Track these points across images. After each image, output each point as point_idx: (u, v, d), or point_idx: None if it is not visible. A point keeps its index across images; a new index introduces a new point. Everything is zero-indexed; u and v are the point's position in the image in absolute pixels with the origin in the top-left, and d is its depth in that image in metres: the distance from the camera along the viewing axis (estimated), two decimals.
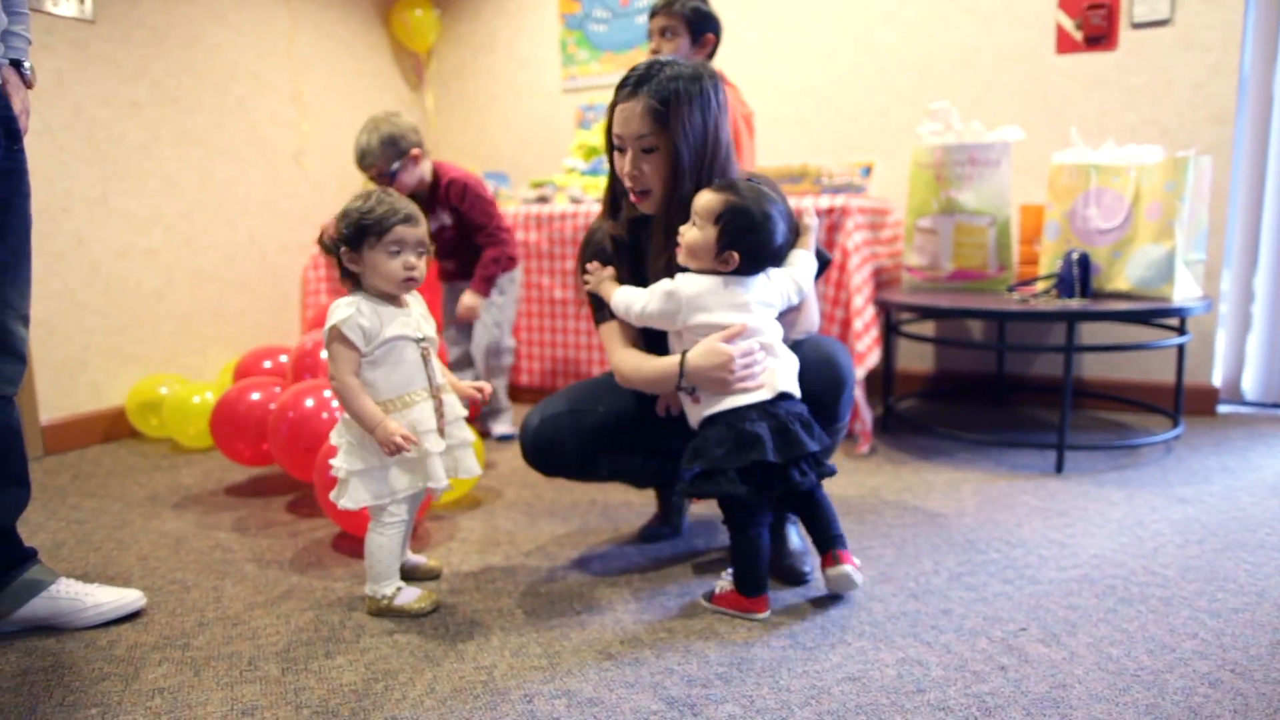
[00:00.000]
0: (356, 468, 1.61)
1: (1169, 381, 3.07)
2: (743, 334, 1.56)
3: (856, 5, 3.51)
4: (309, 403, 2.19)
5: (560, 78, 4.20)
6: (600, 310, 1.79)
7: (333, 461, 1.63)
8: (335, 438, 1.66)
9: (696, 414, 1.62)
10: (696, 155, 1.62)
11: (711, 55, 2.67)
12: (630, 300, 1.65)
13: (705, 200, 1.57)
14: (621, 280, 1.74)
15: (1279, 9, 2.99)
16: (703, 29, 2.61)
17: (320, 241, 1.66)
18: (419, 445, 1.62)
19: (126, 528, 2.22)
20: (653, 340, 1.74)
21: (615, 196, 1.77)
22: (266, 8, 3.66)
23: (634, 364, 1.70)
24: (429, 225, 2.81)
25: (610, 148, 1.71)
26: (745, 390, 1.56)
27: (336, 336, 1.58)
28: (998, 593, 1.71)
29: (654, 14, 2.63)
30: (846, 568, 1.63)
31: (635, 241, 1.76)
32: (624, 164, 1.65)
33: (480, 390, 1.76)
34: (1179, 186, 2.52)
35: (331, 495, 1.68)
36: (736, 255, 1.56)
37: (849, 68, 3.56)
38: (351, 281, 1.67)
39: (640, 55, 3.97)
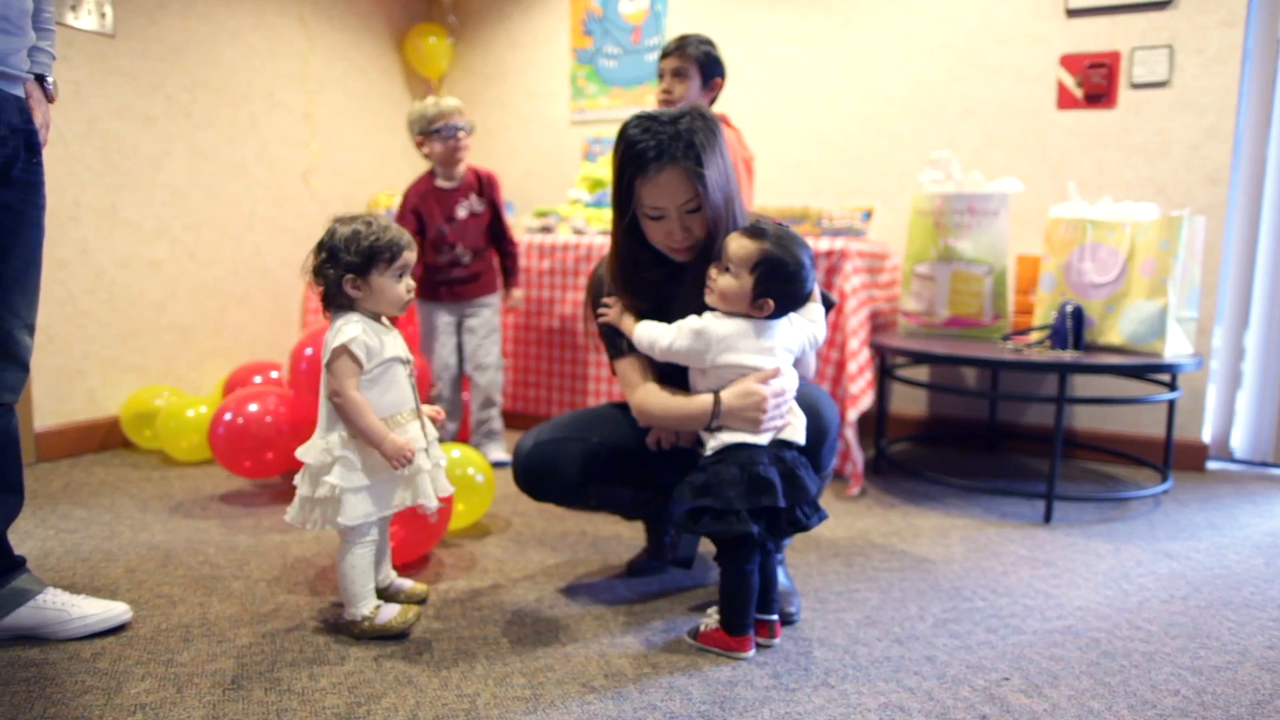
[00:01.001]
0: (354, 484, 1.62)
1: (1159, 436, 3.10)
2: (774, 376, 1.59)
3: (863, 53, 3.58)
4: None
5: (569, 110, 4.26)
6: (615, 346, 1.79)
7: (326, 479, 1.62)
8: (315, 455, 1.64)
9: (707, 443, 1.62)
10: (726, 199, 1.65)
11: (715, 100, 2.71)
12: (655, 336, 1.64)
13: (740, 247, 1.58)
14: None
15: (1274, 74, 3.06)
16: (712, 73, 2.65)
17: (316, 270, 1.65)
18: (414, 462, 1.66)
19: (115, 539, 2.22)
20: (668, 374, 1.74)
21: (634, 265, 1.74)
22: (283, 29, 3.72)
23: (663, 403, 1.69)
24: (464, 209, 2.98)
25: (626, 216, 1.67)
26: (773, 429, 1.59)
27: (344, 353, 1.60)
28: (982, 641, 1.71)
29: (666, 54, 2.66)
30: (776, 642, 1.68)
31: (657, 299, 1.76)
32: (669, 229, 1.63)
33: (436, 417, 1.80)
34: (1173, 245, 2.56)
35: (290, 516, 1.66)
36: (771, 303, 1.58)
37: (853, 114, 3.62)
38: (338, 307, 1.68)
39: (649, 92, 4.03)
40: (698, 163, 1.58)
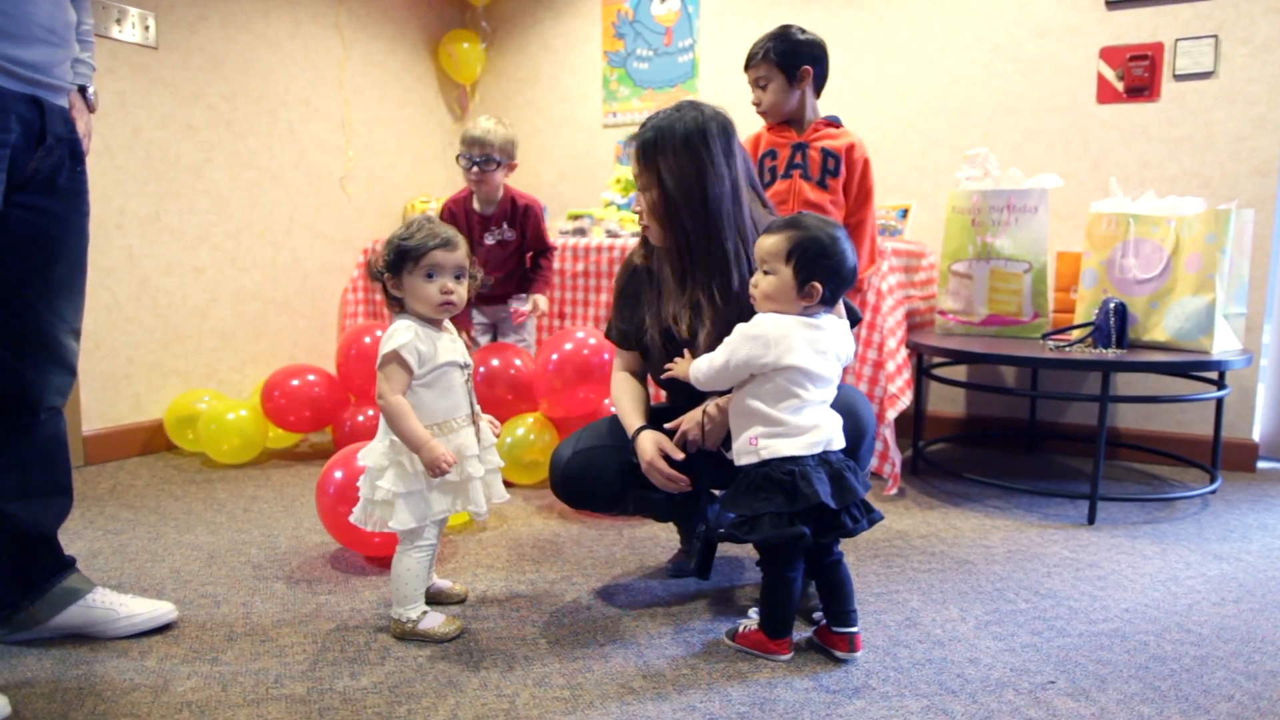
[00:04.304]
0: (403, 490, 1.63)
1: (1206, 435, 3.02)
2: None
3: (898, 50, 3.55)
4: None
5: (601, 113, 4.27)
6: (610, 327, 1.95)
7: (379, 483, 1.64)
8: (374, 459, 1.66)
9: (749, 454, 1.58)
10: (683, 199, 1.70)
11: (805, 87, 2.57)
12: (708, 362, 1.60)
13: (770, 243, 1.57)
14: (648, 306, 1.84)
15: None
16: (796, 63, 2.52)
17: (368, 268, 1.72)
18: (462, 468, 1.67)
19: (161, 540, 2.26)
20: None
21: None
22: (320, 38, 3.77)
23: (615, 397, 1.89)
24: (493, 236, 2.95)
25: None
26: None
27: (394, 359, 1.61)
28: (1026, 644, 1.68)
29: (745, 67, 2.59)
30: (858, 655, 1.61)
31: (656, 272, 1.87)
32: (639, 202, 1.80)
33: (494, 425, 1.81)
34: (1220, 239, 2.50)
35: (355, 517, 1.70)
36: (819, 284, 1.54)
37: (888, 111, 3.59)
38: (397, 306, 1.70)
39: (682, 94, 4.03)
40: (642, 148, 1.73)
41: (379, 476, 1.65)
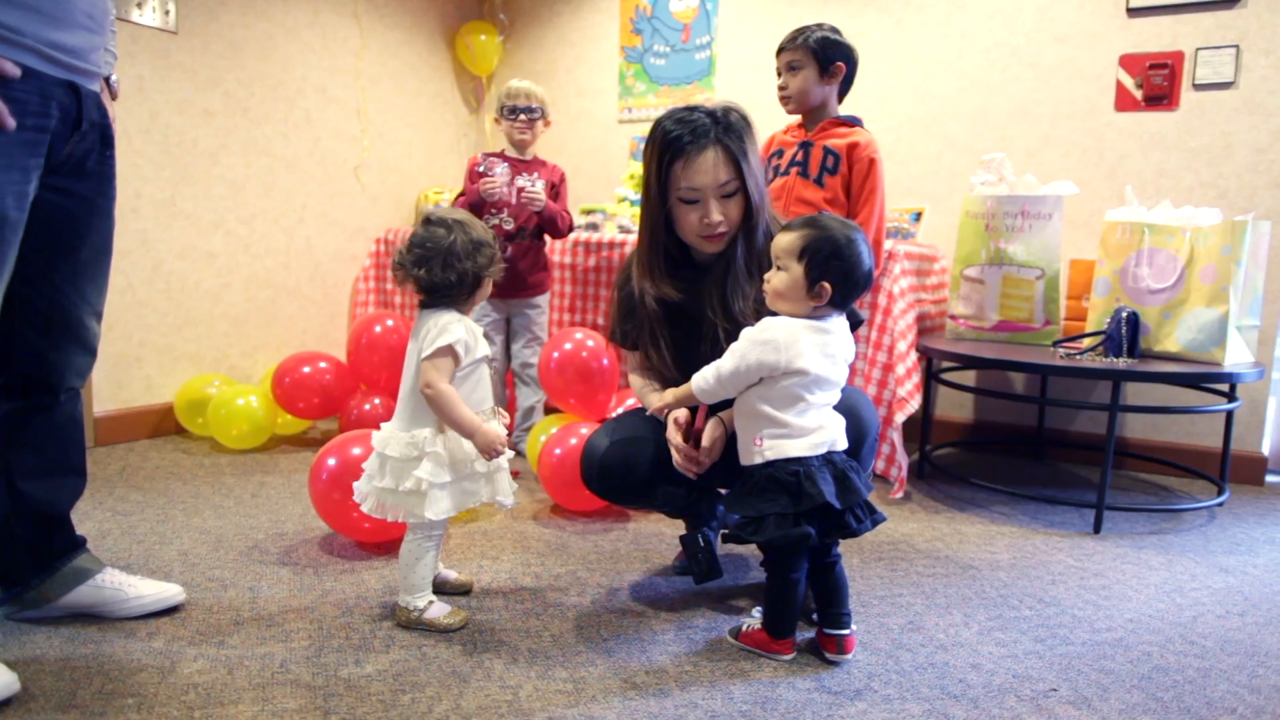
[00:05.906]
0: (442, 480, 1.64)
1: (1215, 447, 3.01)
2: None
3: (916, 52, 3.54)
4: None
5: (617, 108, 4.27)
6: (612, 332, 1.94)
7: (416, 473, 1.63)
8: (400, 449, 1.65)
9: (754, 454, 1.58)
10: (761, 190, 1.72)
11: (837, 84, 2.59)
12: (713, 370, 1.59)
13: (785, 240, 1.56)
14: (669, 340, 1.81)
15: None
16: (831, 58, 2.54)
17: (466, 264, 1.67)
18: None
19: (169, 523, 2.28)
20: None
21: (662, 253, 1.79)
22: (338, 26, 3.78)
23: (638, 392, 1.91)
24: (524, 179, 3.00)
25: (660, 205, 1.74)
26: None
27: (449, 351, 1.64)
28: (1029, 651, 1.68)
29: (780, 50, 2.61)
30: (848, 658, 1.62)
31: (683, 303, 1.79)
32: (703, 212, 1.69)
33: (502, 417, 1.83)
34: (1235, 251, 2.49)
35: (367, 507, 1.70)
36: (829, 285, 1.53)
37: (904, 113, 3.58)
38: (436, 305, 1.70)
39: (698, 91, 4.02)
40: (740, 140, 1.66)
41: (413, 467, 1.64)
